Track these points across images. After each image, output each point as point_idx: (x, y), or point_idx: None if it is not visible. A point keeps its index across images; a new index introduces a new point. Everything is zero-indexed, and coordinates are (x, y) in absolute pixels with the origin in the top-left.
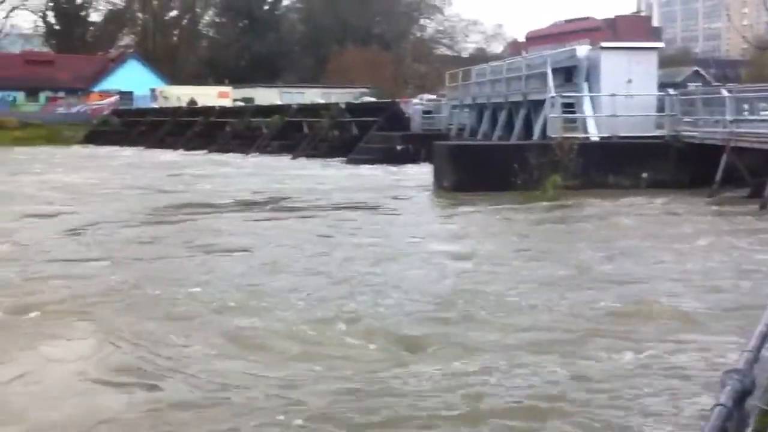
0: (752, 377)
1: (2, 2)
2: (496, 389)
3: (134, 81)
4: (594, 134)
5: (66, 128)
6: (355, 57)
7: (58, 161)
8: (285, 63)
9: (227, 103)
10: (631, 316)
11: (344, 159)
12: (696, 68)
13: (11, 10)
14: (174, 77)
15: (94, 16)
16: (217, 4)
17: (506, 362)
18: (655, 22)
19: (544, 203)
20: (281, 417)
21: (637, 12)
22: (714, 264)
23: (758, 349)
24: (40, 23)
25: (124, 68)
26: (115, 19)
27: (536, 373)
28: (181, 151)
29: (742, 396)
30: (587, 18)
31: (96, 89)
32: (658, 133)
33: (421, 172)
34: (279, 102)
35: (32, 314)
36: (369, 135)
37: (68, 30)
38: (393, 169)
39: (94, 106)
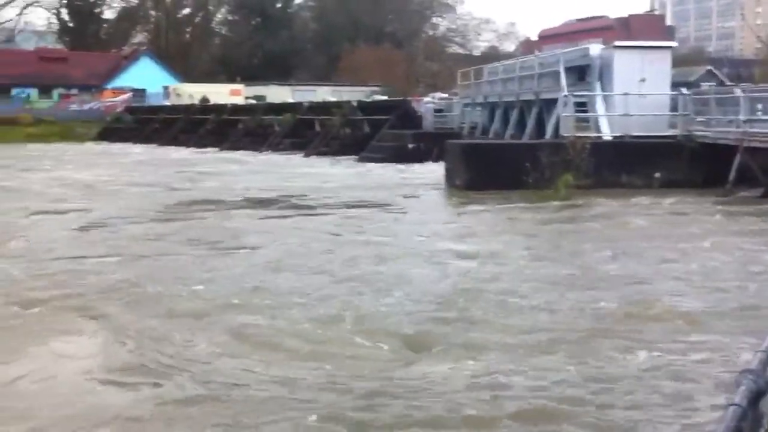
0: (766, 377)
1: None
2: (505, 390)
3: (147, 78)
4: (606, 133)
5: (79, 125)
6: (367, 55)
7: (69, 158)
8: (297, 61)
9: (239, 100)
10: (639, 316)
11: (356, 157)
12: (709, 67)
13: (25, 7)
14: (187, 75)
15: (108, 14)
16: (230, 2)
17: (513, 363)
18: (669, 21)
19: (556, 202)
20: (293, 414)
21: (651, 11)
22: (724, 264)
23: None
24: (54, 20)
25: (137, 66)
26: (128, 17)
27: (545, 374)
28: (193, 149)
29: (756, 396)
30: (600, 17)
31: (109, 86)
32: (671, 132)
33: (433, 171)
34: (291, 100)
35: (38, 311)
36: (381, 133)
37: (82, 27)
38: (404, 167)
39: (108, 103)
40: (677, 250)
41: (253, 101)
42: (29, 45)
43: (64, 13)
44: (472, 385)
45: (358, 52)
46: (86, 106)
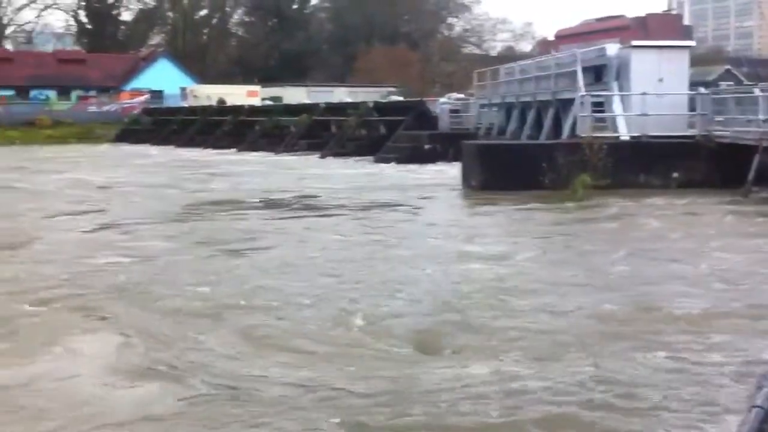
0: None
1: (35, 1)
2: (523, 394)
3: (164, 80)
4: (624, 134)
5: (98, 127)
6: (383, 56)
7: (86, 160)
8: (313, 62)
9: (256, 102)
10: (654, 318)
11: (372, 158)
12: (728, 67)
13: (44, 9)
14: (203, 76)
15: (126, 15)
16: (247, 3)
17: (528, 365)
18: (686, 21)
19: (573, 203)
20: (314, 416)
21: (668, 10)
22: (741, 265)
23: None
24: (72, 22)
25: (155, 67)
26: (145, 18)
27: (561, 376)
28: (210, 150)
29: None
30: (617, 17)
31: (127, 88)
32: (689, 132)
33: (449, 172)
34: (307, 101)
35: (51, 311)
36: (396, 134)
37: (100, 29)
38: (420, 168)
39: (125, 105)
40: (699, 250)
41: (270, 102)
42: (48, 47)
43: (82, 15)
44: (488, 388)
45: (374, 53)
46: (104, 108)
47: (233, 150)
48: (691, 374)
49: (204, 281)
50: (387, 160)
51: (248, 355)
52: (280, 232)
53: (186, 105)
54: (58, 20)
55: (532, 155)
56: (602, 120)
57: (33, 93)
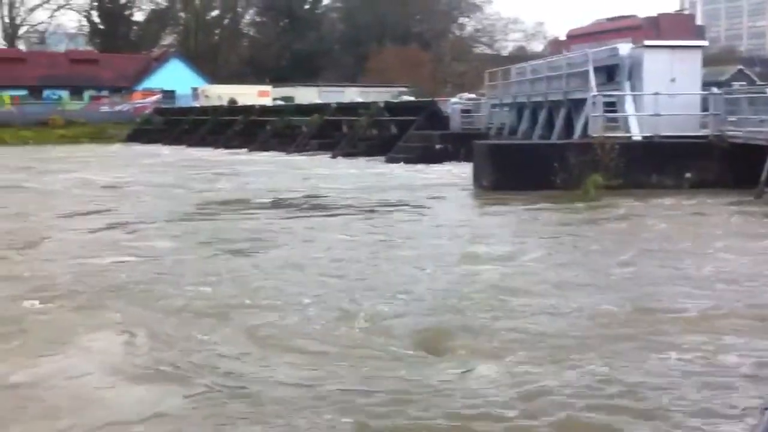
0: None
1: (48, 1)
2: (524, 395)
3: (176, 80)
4: (636, 134)
5: (110, 127)
6: (394, 56)
7: (98, 160)
8: (325, 62)
9: (267, 102)
10: (662, 319)
11: (383, 158)
12: (740, 67)
13: (57, 9)
14: (215, 76)
15: (138, 16)
16: (258, 4)
17: (539, 365)
18: (699, 21)
19: (584, 203)
20: (327, 416)
21: (681, 10)
22: (750, 266)
23: None
24: (85, 22)
25: (167, 67)
26: (157, 19)
27: (571, 378)
28: (222, 150)
29: None
30: (629, 16)
31: (139, 88)
32: (701, 132)
33: (460, 172)
34: (318, 101)
35: (59, 311)
36: (408, 134)
37: (112, 29)
38: (431, 168)
39: (137, 105)
40: (711, 251)
41: (281, 102)
42: (60, 47)
43: (95, 16)
44: (493, 388)
45: (386, 53)
46: (117, 108)
47: (244, 150)
48: (702, 376)
49: (206, 281)
50: (398, 160)
51: (253, 355)
52: (287, 232)
53: (197, 105)
54: (71, 20)
55: (543, 155)
56: (614, 120)
57: (46, 93)
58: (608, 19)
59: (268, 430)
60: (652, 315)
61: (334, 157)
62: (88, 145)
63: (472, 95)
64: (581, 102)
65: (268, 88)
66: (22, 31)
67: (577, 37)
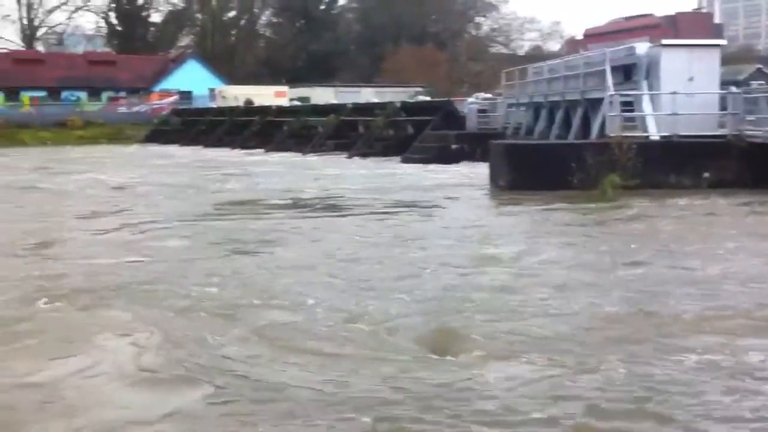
0: None
1: (66, 3)
2: (529, 396)
3: (193, 81)
4: (654, 133)
5: (128, 128)
6: (410, 56)
7: (115, 161)
8: (341, 62)
9: (284, 102)
10: (679, 320)
11: (399, 158)
12: (759, 66)
13: (74, 11)
14: (232, 77)
15: (155, 17)
16: (275, 5)
17: (555, 365)
18: (717, 19)
19: (602, 203)
20: (348, 415)
21: (698, 9)
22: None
23: None
24: (103, 24)
25: (184, 68)
26: (175, 20)
27: (588, 379)
28: (238, 150)
29: None
30: (647, 15)
31: (156, 89)
32: (720, 132)
33: (476, 172)
34: (335, 101)
35: (70, 311)
36: (424, 134)
37: (130, 31)
38: (447, 168)
39: (155, 106)
40: (730, 252)
41: (298, 103)
42: (78, 48)
43: (113, 17)
44: (498, 390)
45: (402, 53)
46: (134, 109)
47: (261, 150)
48: (722, 379)
49: (213, 282)
50: (414, 160)
51: (264, 356)
52: (296, 232)
53: (214, 106)
54: (89, 22)
55: (560, 155)
56: (631, 119)
57: (64, 94)
58: (625, 18)
59: (286, 429)
60: (658, 318)
61: (350, 157)
62: (106, 146)
63: (489, 95)
64: (598, 101)
65: (284, 88)
66: (40, 32)
67: (593, 36)
